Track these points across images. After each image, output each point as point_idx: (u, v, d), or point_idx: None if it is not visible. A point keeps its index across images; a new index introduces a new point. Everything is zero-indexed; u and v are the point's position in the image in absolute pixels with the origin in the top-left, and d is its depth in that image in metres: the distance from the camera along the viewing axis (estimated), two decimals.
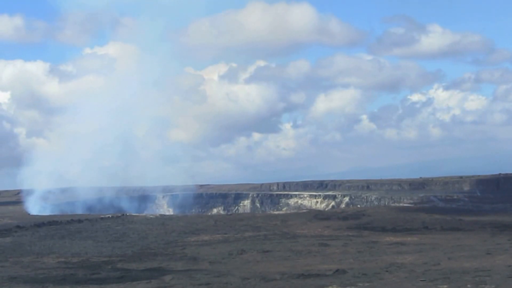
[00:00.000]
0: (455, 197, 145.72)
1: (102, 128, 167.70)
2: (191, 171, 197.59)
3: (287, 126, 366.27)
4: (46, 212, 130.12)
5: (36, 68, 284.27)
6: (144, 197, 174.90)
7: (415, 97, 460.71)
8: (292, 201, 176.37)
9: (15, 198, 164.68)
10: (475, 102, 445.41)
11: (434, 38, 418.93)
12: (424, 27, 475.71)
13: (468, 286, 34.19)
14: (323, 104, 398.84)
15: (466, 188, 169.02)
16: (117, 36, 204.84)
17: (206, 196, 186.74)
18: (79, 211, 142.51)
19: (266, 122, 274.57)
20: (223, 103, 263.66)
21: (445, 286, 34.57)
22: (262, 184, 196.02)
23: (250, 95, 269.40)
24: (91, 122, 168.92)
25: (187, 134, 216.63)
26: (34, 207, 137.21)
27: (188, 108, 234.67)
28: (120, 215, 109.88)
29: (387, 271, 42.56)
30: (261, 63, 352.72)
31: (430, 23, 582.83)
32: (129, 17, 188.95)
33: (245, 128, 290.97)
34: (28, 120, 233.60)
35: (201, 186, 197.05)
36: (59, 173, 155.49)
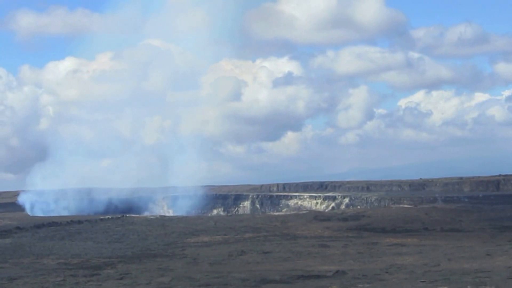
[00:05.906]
0: (455, 198, 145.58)
1: (121, 125, 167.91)
2: (204, 171, 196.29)
3: (291, 126, 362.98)
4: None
5: (66, 64, 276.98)
6: (144, 198, 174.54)
7: (416, 98, 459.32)
8: (292, 202, 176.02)
9: (15, 199, 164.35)
10: (476, 102, 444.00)
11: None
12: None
13: (468, 287, 34.22)
14: (325, 104, 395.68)
15: (466, 189, 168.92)
16: (154, 32, 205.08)
17: (206, 197, 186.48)
18: (80, 212, 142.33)
19: (270, 123, 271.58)
20: (230, 102, 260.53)
21: (445, 287, 34.60)
22: (262, 185, 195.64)
23: (254, 95, 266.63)
24: (120, 118, 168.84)
25: (190, 133, 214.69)
26: (41, 208, 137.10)
27: (201, 106, 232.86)
28: (120, 216, 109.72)
29: (387, 272, 42.61)
30: (284, 60, 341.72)
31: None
32: (165, 13, 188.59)
33: (249, 128, 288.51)
34: (55, 117, 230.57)
35: (201, 187, 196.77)
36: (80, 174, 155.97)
